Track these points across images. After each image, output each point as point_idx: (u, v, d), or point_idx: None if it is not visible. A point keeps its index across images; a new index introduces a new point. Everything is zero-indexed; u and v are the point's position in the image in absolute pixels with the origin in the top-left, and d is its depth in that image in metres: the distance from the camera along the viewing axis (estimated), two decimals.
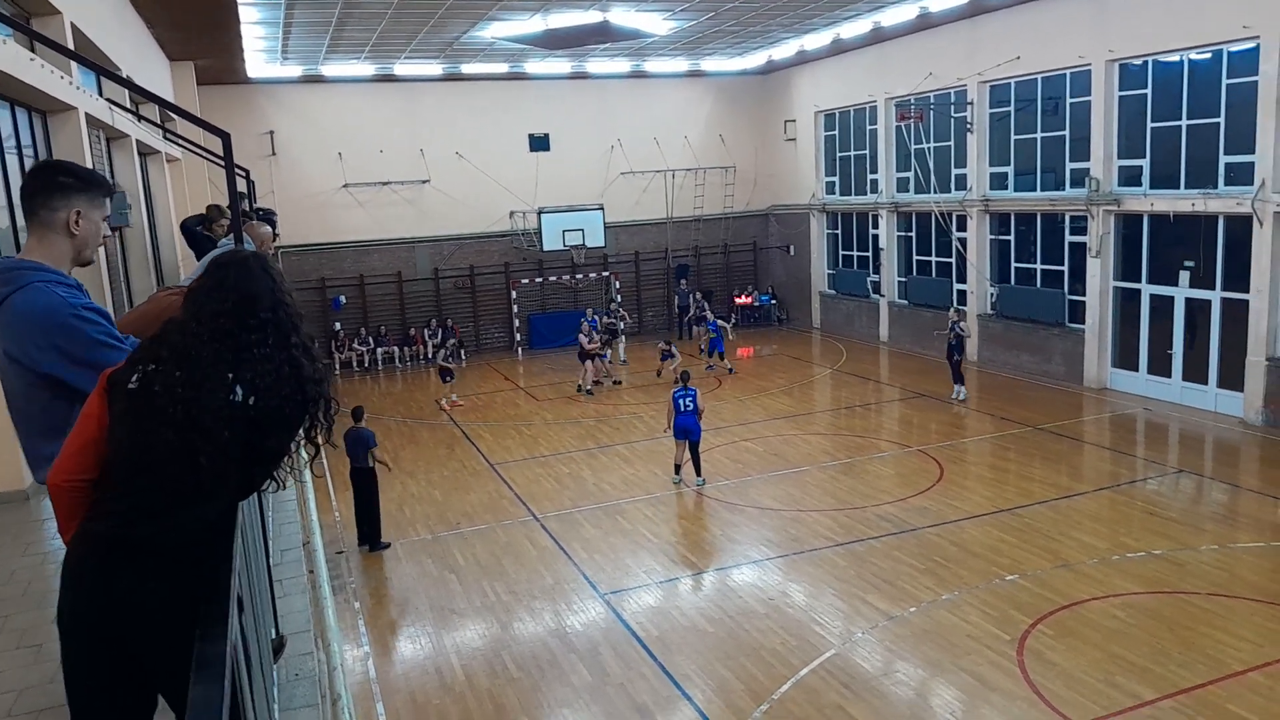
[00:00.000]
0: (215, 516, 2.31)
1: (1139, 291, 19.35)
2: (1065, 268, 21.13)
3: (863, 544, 12.47)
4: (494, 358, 28.31)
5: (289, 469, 2.48)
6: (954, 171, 24.00)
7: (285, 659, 3.66)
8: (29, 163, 8.01)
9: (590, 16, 19.07)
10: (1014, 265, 22.67)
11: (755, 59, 28.31)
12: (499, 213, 28.52)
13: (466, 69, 26.32)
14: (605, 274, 29.96)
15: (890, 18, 22.39)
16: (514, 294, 29.04)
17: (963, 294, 23.88)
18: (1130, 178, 19.32)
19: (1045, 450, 16.33)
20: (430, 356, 26.33)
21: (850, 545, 12.45)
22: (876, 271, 27.13)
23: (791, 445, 17.46)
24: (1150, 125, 18.69)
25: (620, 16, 19.69)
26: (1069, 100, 20.58)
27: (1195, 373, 18.28)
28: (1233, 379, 17.39)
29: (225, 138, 4.23)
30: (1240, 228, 16.98)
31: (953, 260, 24.34)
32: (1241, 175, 16.91)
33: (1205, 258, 17.93)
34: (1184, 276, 18.34)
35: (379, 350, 27.38)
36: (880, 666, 9.40)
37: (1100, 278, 19.82)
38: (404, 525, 14.15)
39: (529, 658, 9.98)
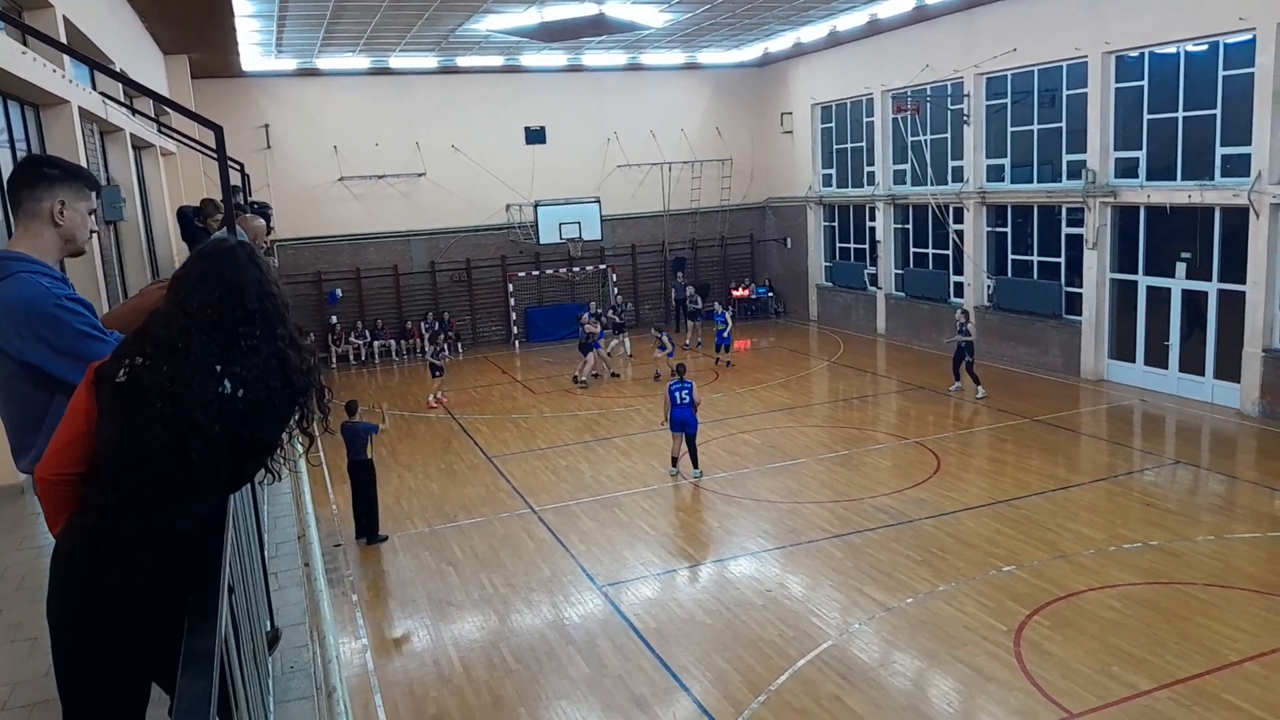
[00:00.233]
0: (205, 510, 2.30)
1: (1136, 283, 19.36)
2: (1062, 259, 21.14)
3: (860, 535, 12.48)
4: (491, 351, 28.29)
5: (281, 460, 2.46)
6: (951, 164, 23.99)
7: (280, 652, 3.65)
8: (22, 157, 7.98)
9: (586, 9, 19.02)
10: (1011, 257, 22.67)
11: (752, 51, 28.27)
12: (495, 206, 28.48)
13: (462, 62, 26.26)
14: (602, 267, 29.95)
15: (886, 10, 22.36)
16: (510, 287, 29.02)
17: (960, 286, 23.89)
18: (1127, 169, 19.31)
19: (1042, 442, 16.35)
20: (424, 350, 26.31)
21: (847, 537, 12.47)
22: (873, 264, 27.12)
23: (789, 437, 17.46)
24: (1147, 117, 18.68)
25: (616, 9, 19.65)
26: (1065, 92, 20.57)
27: (1192, 364, 18.30)
28: (1229, 370, 17.41)
29: (218, 131, 4.20)
30: (1237, 219, 16.98)
31: (950, 252, 24.34)
32: (1238, 167, 16.90)
33: (1202, 249, 17.94)
34: (1180, 268, 18.35)
35: (375, 344, 27.36)
36: (877, 657, 9.41)
37: (1097, 269, 19.83)
38: (401, 518, 14.15)
39: (527, 650, 9.99)
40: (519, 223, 28.52)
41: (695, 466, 15.22)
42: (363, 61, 25.30)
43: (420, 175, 27.81)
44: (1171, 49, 18.09)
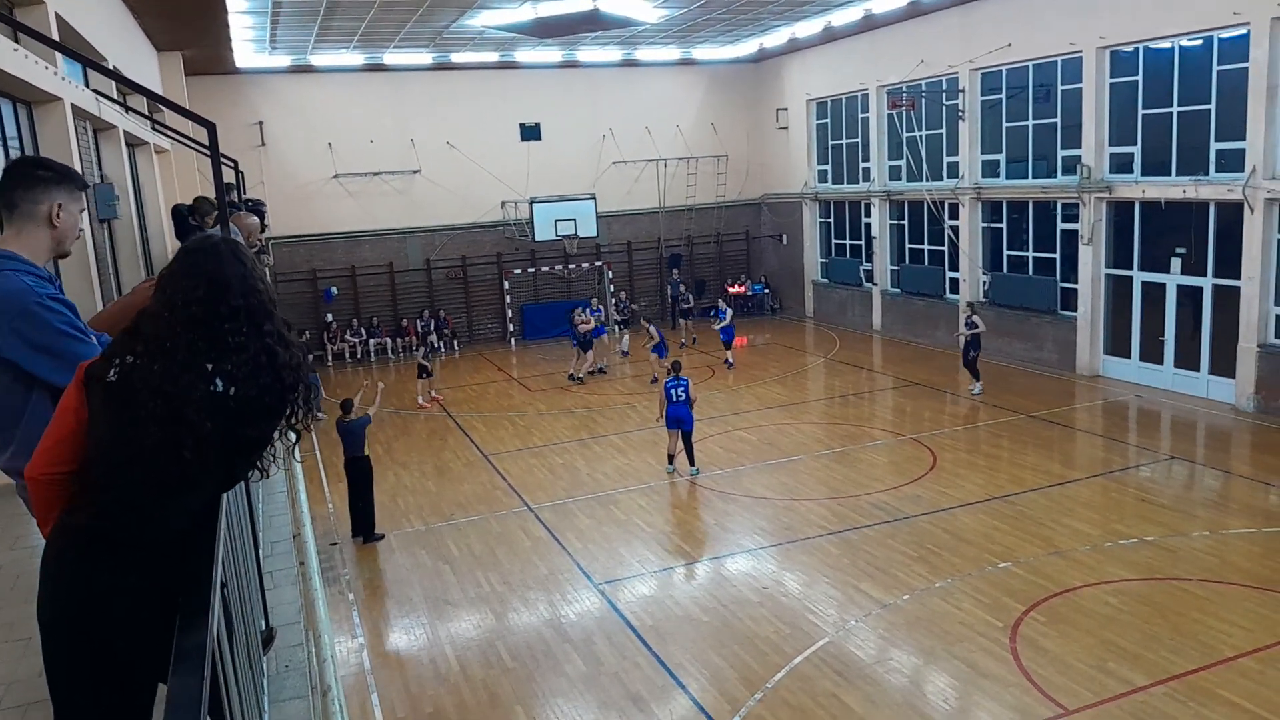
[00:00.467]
0: (198, 508, 2.29)
1: (1131, 278, 19.38)
2: (1057, 255, 21.15)
3: (856, 532, 12.49)
4: (487, 348, 28.26)
5: (272, 457, 2.45)
6: (946, 159, 23.99)
7: (275, 651, 3.64)
8: (15, 155, 7.94)
9: (580, 4, 18.97)
10: (1006, 253, 22.68)
11: (747, 47, 28.24)
12: (490, 203, 28.44)
13: (456, 58, 26.21)
14: (598, 264, 29.93)
15: (882, 5, 22.35)
16: (506, 284, 28.99)
17: (955, 282, 23.90)
18: (1122, 165, 19.32)
19: (1038, 437, 16.36)
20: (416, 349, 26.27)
21: (844, 533, 12.47)
22: (869, 260, 27.13)
23: (785, 434, 17.47)
24: (1141, 112, 18.69)
25: (610, 4, 19.59)
26: (1060, 87, 20.57)
27: (1187, 359, 18.33)
28: (1224, 365, 17.44)
29: (211, 128, 4.19)
30: (1231, 214, 17.00)
31: (945, 248, 24.35)
32: (1232, 162, 16.92)
33: (1196, 244, 17.96)
34: (1175, 263, 18.37)
35: (371, 342, 27.32)
36: (874, 654, 9.42)
37: (1092, 265, 19.85)
38: (398, 516, 14.14)
39: (523, 648, 9.99)
40: (514, 220, 28.47)
41: (692, 464, 15.21)
42: (357, 58, 25.24)
43: (415, 172, 27.76)
44: (1166, 44, 18.10)
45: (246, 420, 2.26)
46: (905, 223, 26.01)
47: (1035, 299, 21.58)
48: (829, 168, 29.03)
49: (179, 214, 9.41)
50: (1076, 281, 20.35)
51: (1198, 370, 18.11)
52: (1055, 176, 20.84)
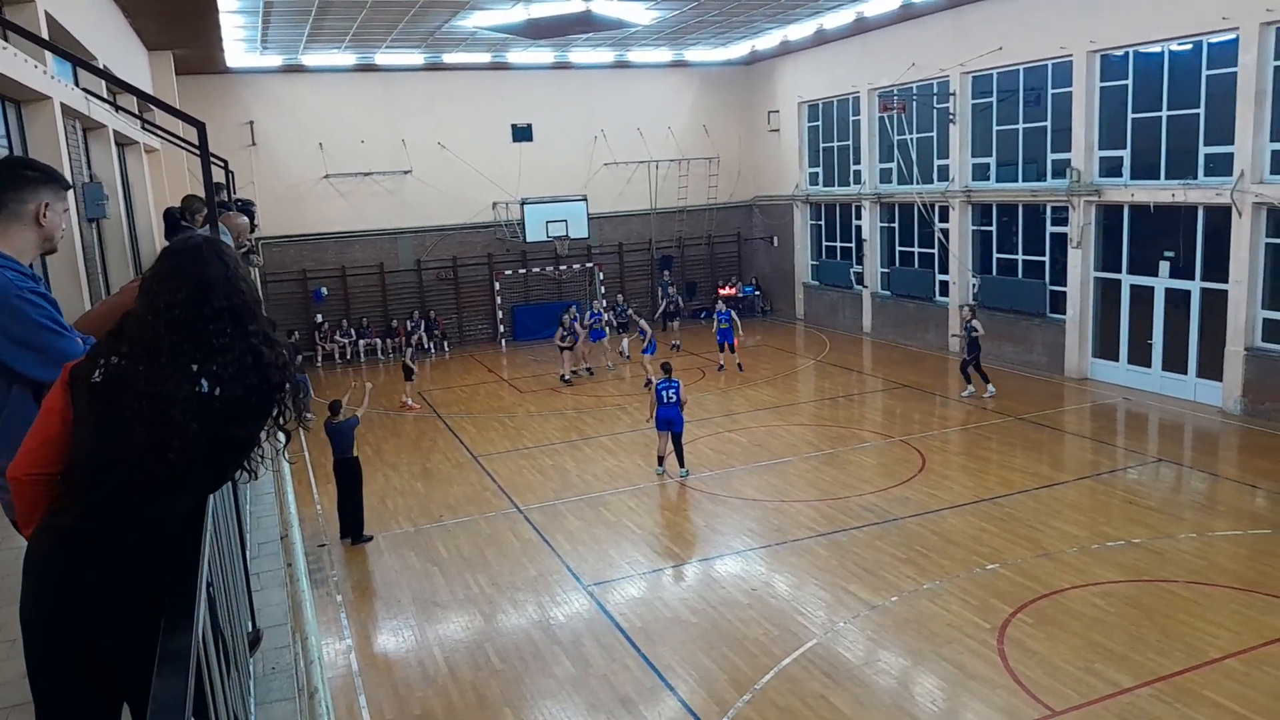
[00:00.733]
0: (184, 509, 2.28)
1: (1119, 282, 19.47)
2: (1046, 258, 21.24)
3: (845, 534, 12.52)
4: (477, 349, 28.23)
5: (260, 458, 2.45)
6: (936, 162, 24.07)
7: (262, 652, 3.64)
8: (2, 154, 7.91)
9: (572, 6, 18.98)
10: (996, 256, 22.77)
11: (739, 49, 28.29)
12: (482, 203, 28.41)
13: (448, 59, 26.18)
14: (589, 265, 29.92)
15: (873, 8, 22.41)
16: (497, 285, 28.97)
17: (945, 285, 23.98)
18: (1111, 168, 19.42)
19: (1026, 440, 16.43)
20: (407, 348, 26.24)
21: (833, 535, 12.50)
22: (860, 262, 27.19)
23: (775, 436, 17.49)
24: (1131, 116, 18.78)
25: (603, 6, 19.62)
26: (1050, 91, 20.66)
27: (1175, 363, 18.42)
28: (1212, 369, 17.53)
29: (200, 127, 4.17)
30: (1220, 218, 17.10)
31: (935, 251, 24.42)
32: (1221, 166, 17.01)
33: (1185, 248, 18.06)
34: (1164, 267, 18.46)
35: (361, 342, 27.26)
36: (862, 656, 9.44)
37: (1081, 268, 19.93)
38: (386, 518, 14.11)
39: (512, 649, 9.98)
40: (505, 220, 28.45)
41: (681, 465, 15.23)
42: (348, 58, 25.19)
43: (406, 173, 27.72)
44: (1156, 48, 18.19)
45: (233, 421, 2.26)
46: (896, 225, 26.09)
47: (1024, 302, 21.66)
48: (820, 170, 29.09)
49: (170, 217, 9.36)
50: (1065, 284, 20.43)
51: (1185, 373, 18.21)
52: (1045, 180, 20.93)
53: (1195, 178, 17.50)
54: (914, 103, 24.34)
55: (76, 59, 4.35)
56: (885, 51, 24.73)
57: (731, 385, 21.66)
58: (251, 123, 26.09)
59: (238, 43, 21.98)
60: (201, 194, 8.02)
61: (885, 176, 26.10)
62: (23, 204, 2.92)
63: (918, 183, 24.41)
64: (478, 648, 10.09)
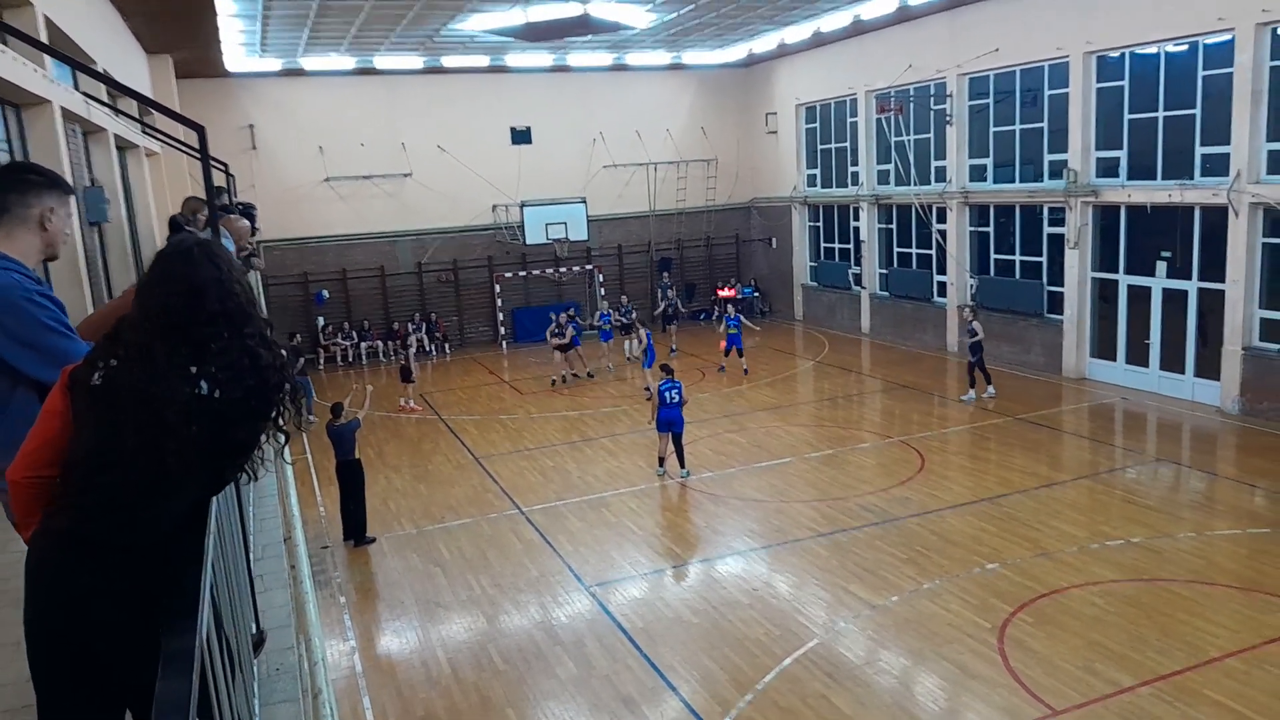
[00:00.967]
0: (183, 511, 2.29)
1: (1117, 282, 19.51)
2: (1044, 259, 21.27)
3: (845, 534, 12.54)
4: (478, 351, 28.25)
5: (260, 460, 2.46)
6: (934, 164, 24.10)
7: (266, 654, 3.65)
8: (4, 158, 7.93)
9: (571, 9, 19.01)
10: (993, 257, 22.80)
11: (736, 52, 28.31)
12: (481, 206, 28.44)
13: (447, 62, 26.20)
14: (589, 267, 29.95)
15: (870, 10, 22.44)
16: (497, 288, 28.99)
17: (943, 286, 24.01)
18: (1108, 169, 19.46)
19: (1025, 440, 16.45)
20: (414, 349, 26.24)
21: (833, 535, 12.52)
22: (858, 264, 27.23)
23: (774, 437, 17.52)
24: (1127, 117, 18.82)
25: (600, 9, 19.66)
26: (1047, 92, 20.69)
27: (1172, 362, 18.45)
28: (1209, 368, 17.56)
29: (200, 131, 4.19)
30: (1216, 218, 17.13)
31: (933, 252, 24.45)
32: (1217, 166, 17.04)
33: (1182, 248, 18.09)
34: (1161, 267, 18.49)
35: (362, 345, 27.28)
36: (863, 655, 9.46)
37: (1078, 268, 19.96)
38: (389, 520, 14.13)
39: (514, 650, 10.00)
40: (505, 223, 28.49)
41: (682, 466, 15.25)
42: (348, 61, 25.22)
43: (406, 176, 27.75)
44: (1152, 49, 18.23)
45: (233, 423, 2.27)
46: (893, 226, 26.12)
47: (1022, 302, 21.69)
48: (818, 172, 29.12)
49: (175, 226, 9.37)
50: (1063, 285, 20.46)
51: (1183, 373, 18.23)
52: (1042, 181, 20.96)
53: (1192, 178, 17.53)
54: (911, 104, 24.39)
55: (76, 63, 4.37)
56: (882, 53, 24.76)
57: (731, 386, 21.69)
58: (251, 126, 26.12)
59: (237, 46, 22.00)
60: (202, 197, 8.05)
61: (883, 178, 26.13)
62: (27, 209, 2.94)
63: (915, 184, 24.44)
64: (480, 649, 10.11)
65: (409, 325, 27.62)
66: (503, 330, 29.09)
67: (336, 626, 10.75)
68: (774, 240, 31.21)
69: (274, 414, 2.38)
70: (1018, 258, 22.10)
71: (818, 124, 28.83)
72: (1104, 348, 20.01)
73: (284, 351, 2.42)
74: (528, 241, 27.82)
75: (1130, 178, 18.87)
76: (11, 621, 4.12)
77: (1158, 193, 18.11)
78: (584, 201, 28.49)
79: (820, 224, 29.39)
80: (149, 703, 1.72)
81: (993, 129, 22.37)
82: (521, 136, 28.92)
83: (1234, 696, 8.28)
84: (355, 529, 13.27)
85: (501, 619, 10.83)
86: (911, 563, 11.49)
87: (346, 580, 12.28)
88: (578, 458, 16.84)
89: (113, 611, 2.17)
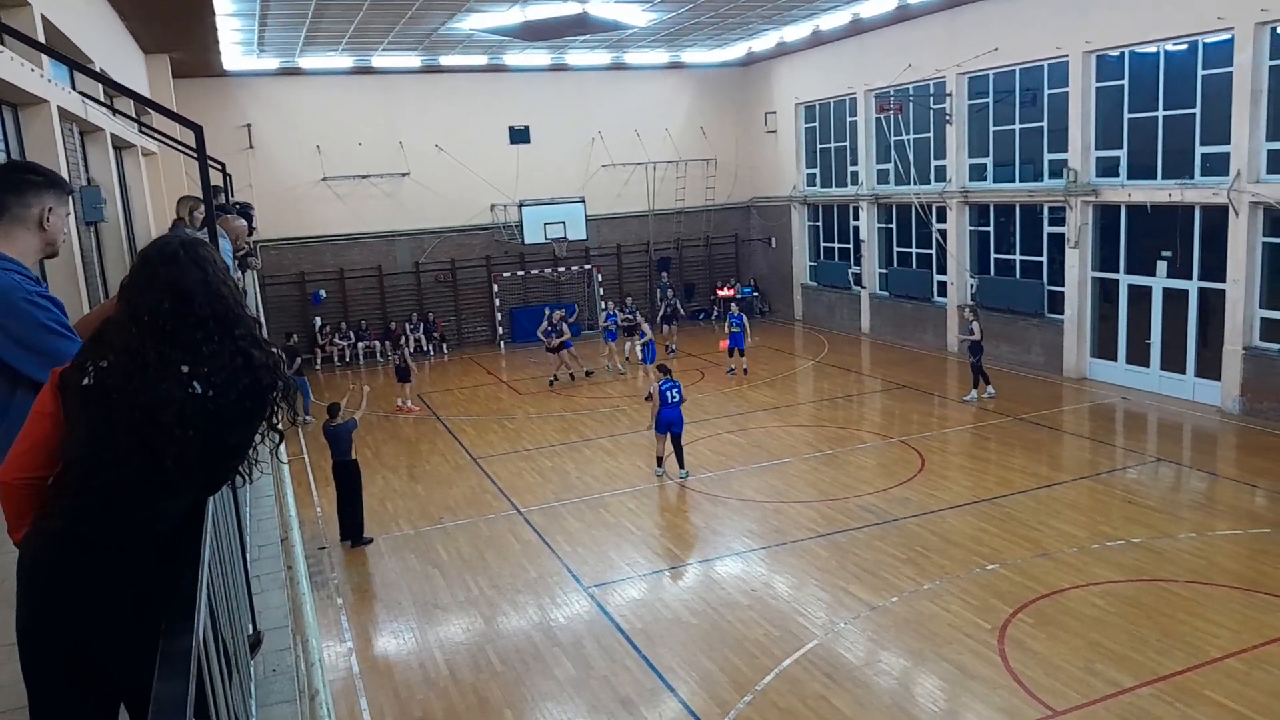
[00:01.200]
0: (178, 512, 2.27)
1: (1117, 282, 19.49)
2: (1044, 258, 21.26)
3: (845, 534, 12.51)
4: (476, 351, 28.23)
5: (254, 460, 2.44)
6: (933, 163, 24.09)
7: (263, 655, 3.63)
8: (1, 158, 7.90)
9: (569, 8, 19.00)
10: (993, 256, 22.78)
11: (735, 51, 28.30)
12: (479, 206, 28.41)
13: (445, 61, 26.18)
14: (587, 267, 29.92)
15: (869, 9, 22.43)
16: (495, 288, 28.96)
17: (943, 285, 24.00)
18: (1108, 168, 19.44)
19: (1025, 440, 16.43)
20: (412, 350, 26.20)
21: (832, 536, 12.49)
22: (857, 263, 27.21)
23: (774, 437, 17.49)
24: (1127, 116, 18.81)
25: (599, 8, 19.63)
26: (1047, 91, 20.68)
27: (1173, 362, 18.44)
28: (1210, 368, 17.55)
29: (198, 130, 4.17)
30: (1216, 218, 17.12)
31: (933, 252, 24.44)
32: (1217, 165, 17.03)
33: (1182, 248, 18.08)
34: (1161, 266, 18.48)
35: (360, 345, 27.25)
36: (863, 656, 9.44)
37: (1079, 268, 19.95)
38: (386, 520, 14.10)
39: (513, 651, 9.97)
40: (503, 223, 28.46)
41: (681, 466, 15.22)
42: (345, 61, 25.19)
43: (404, 175, 27.72)
44: (1151, 48, 18.22)
45: (228, 425, 2.25)
46: (893, 226, 26.11)
47: (1022, 302, 21.68)
48: (817, 171, 29.11)
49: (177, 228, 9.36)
50: (1063, 285, 20.45)
51: (1183, 373, 18.22)
52: (1042, 180, 20.94)
53: (1192, 177, 17.52)
54: (910, 103, 24.38)
55: (73, 62, 4.34)
56: (881, 52, 24.75)
57: (731, 386, 21.66)
58: (249, 125, 26.08)
59: (234, 45, 21.97)
60: (197, 196, 8.03)
61: (883, 177, 26.12)
62: (26, 208, 2.93)
63: (915, 183, 24.43)
64: (478, 650, 10.08)
65: (406, 325, 27.58)
66: (501, 330, 29.06)
67: (334, 627, 10.72)
68: (773, 240, 31.19)
69: (269, 413, 2.36)
70: (1018, 257, 22.09)
71: (817, 123, 28.81)
72: (1104, 347, 20.00)
73: (275, 350, 2.40)
74: (526, 241, 27.79)
75: (1130, 177, 18.86)
76: (8, 624, 4.10)
77: (1158, 192, 18.10)
78: (583, 201, 28.46)
79: (820, 223, 29.38)
80: (144, 702, 1.71)
81: (992, 128, 22.36)
82: (520, 136, 28.89)
83: (1234, 697, 8.25)
84: (352, 530, 13.24)
85: (499, 620, 10.80)
86: (911, 563, 11.47)
87: (344, 581, 12.25)
88: (576, 458, 16.81)
89: (108, 610, 2.15)
